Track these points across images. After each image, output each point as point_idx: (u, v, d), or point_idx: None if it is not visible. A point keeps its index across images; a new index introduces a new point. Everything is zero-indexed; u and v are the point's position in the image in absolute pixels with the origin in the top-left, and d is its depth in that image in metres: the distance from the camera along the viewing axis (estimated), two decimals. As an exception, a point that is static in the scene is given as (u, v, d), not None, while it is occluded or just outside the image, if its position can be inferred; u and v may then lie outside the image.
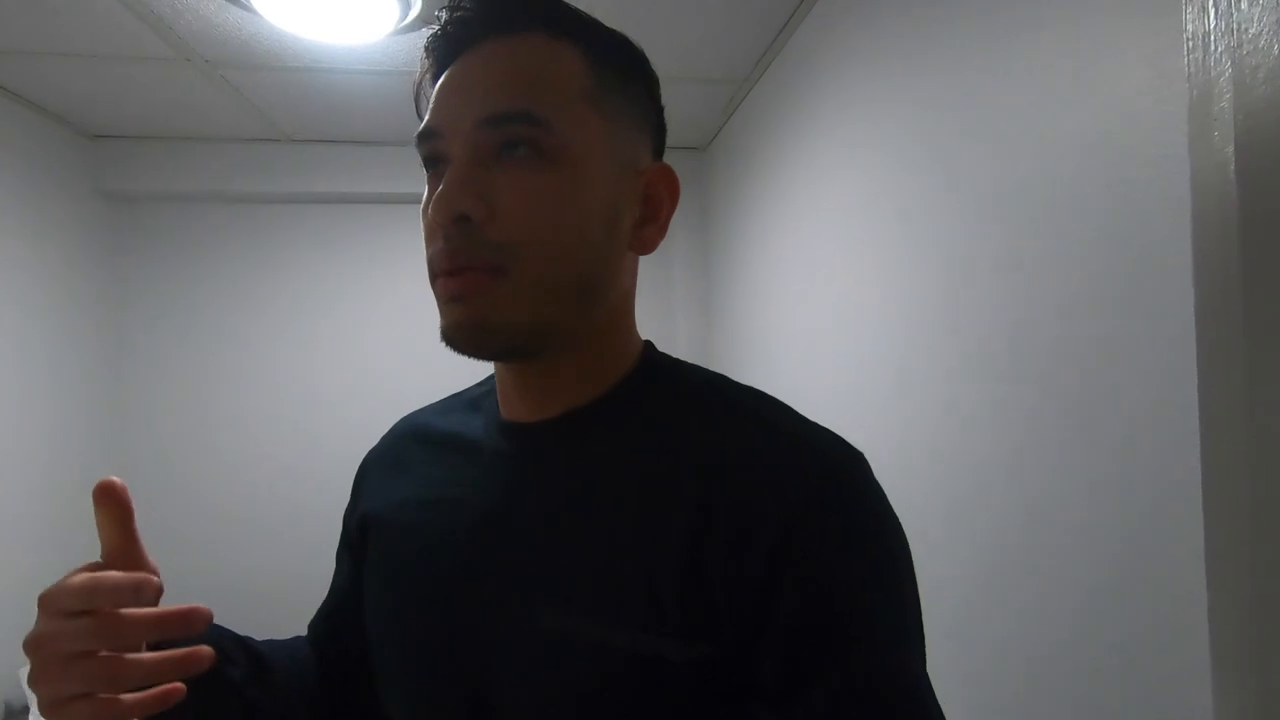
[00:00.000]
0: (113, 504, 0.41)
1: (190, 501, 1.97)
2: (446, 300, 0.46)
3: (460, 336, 0.46)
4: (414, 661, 0.52)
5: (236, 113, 1.79)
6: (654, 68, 0.53)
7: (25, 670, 1.50)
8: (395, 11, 1.30)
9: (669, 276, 2.23)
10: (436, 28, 0.49)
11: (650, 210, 0.51)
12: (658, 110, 0.54)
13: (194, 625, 0.39)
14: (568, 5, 0.50)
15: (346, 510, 0.63)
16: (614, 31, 0.51)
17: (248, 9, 1.29)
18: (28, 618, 0.39)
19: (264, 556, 1.96)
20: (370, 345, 2.07)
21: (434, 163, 0.48)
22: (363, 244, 2.10)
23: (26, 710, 1.43)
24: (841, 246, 1.30)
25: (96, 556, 0.41)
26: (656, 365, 0.53)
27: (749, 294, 1.83)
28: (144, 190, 1.97)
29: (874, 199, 1.18)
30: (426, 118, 0.48)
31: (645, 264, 0.54)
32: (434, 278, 0.47)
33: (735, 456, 0.45)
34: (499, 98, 0.45)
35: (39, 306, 1.69)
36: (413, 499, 0.55)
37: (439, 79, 0.48)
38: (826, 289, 1.37)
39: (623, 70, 0.50)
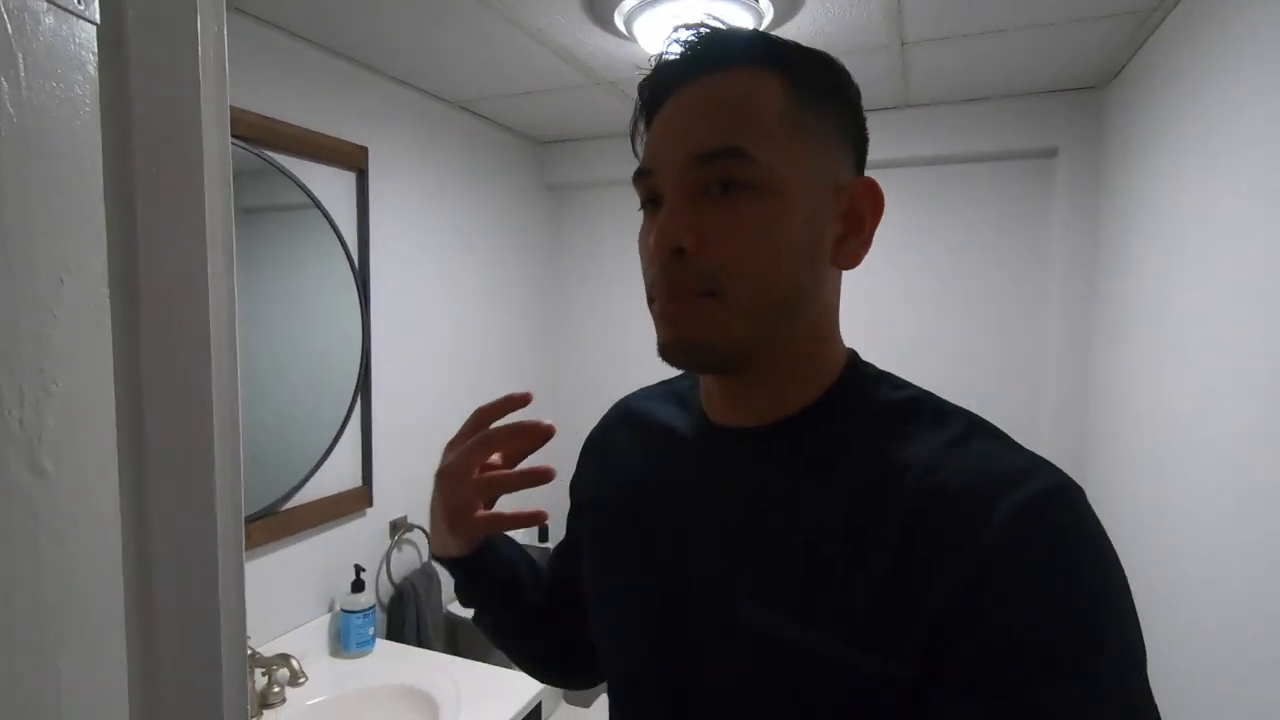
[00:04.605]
0: (538, 434, 0.55)
1: (594, 410, 2.58)
2: (662, 321, 0.50)
3: (674, 354, 0.50)
4: (624, 632, 0.57)
5: (628, 114, 2.15)
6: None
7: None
8: (749, 20, 1.44)
9: (1045, 238, 1.98)
10: (648, 71, 0.52)
11: (852, 225, 0.51)
12: (859, 124, 0.53)
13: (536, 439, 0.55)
14: (768, 35, 0.51)
15: (572, 481, 0.69)
16: (816, 53, 0.51)
17: (634, 42, 1.56)
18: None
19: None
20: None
21: (651, 199, 0.51)
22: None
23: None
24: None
25: (543, 449, 0.56)
26: (862, 377, 0.53)
27: (1150, 266, 1.54)
28: (571, 180, 2.51)
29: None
30: (644, 156, 0.51)
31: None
32: (651, 301, 0.51)
33: (936, 479, 0.44)
34: (707, 136, 0.47)
35: (508, 268, 2.35)
36: (623, 482, 0.61)
37: (653, 119, 0.52)
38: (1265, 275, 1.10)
39: (824, 90, 0.50)
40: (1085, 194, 1.90)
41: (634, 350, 2.49)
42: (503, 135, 2.30)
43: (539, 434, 0.55)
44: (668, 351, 0.50)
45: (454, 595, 0.67)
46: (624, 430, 0.66)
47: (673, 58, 0.51)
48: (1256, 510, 1.03)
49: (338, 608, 1.65)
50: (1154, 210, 1.54)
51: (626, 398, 0.69)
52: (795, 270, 0.48)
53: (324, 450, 1.64)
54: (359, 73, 1.70)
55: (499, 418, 0.57)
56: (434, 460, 0.59)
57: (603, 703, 2.16)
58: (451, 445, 0.59)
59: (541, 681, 0.76)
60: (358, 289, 1.72)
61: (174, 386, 0.42)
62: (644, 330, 2.21)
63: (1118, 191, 1.76)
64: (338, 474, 1.69)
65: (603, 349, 2.55)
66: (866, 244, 0.51)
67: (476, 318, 2.20)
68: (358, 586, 1.64)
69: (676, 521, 0.54)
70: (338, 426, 1.68)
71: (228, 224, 0.43)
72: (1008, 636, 0.40)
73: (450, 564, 0.63)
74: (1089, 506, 0.43)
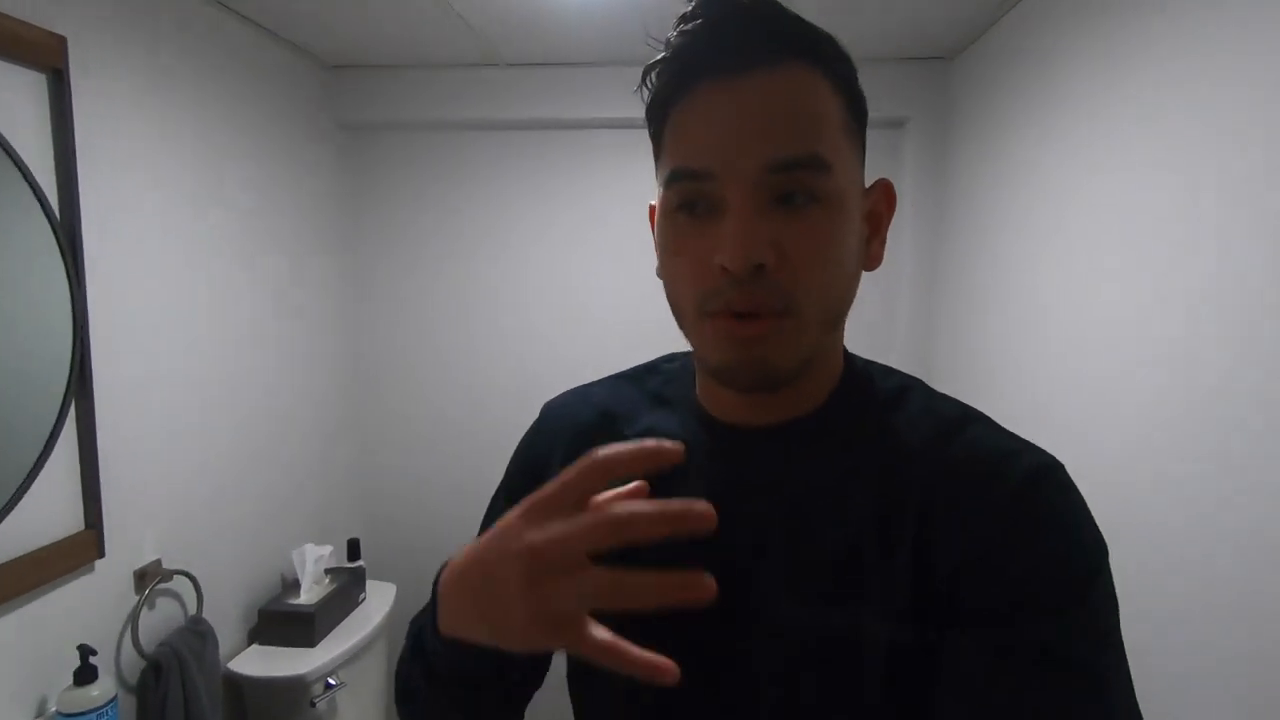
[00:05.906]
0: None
1: (409, 398, 2.16)
2: (730, 340, 0.46)
3: (742, 375, 0.47)
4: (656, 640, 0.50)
5: (459, 39, 1.75)
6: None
7: (298, 550, 1.82)
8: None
9: (896, 224, 1.98)
10: (666, 51, 0.47)
11: (873, 226, 0.52)
12: (865, 117, 0.51)
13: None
14: (805, 23, 0.46)
15: (503, 487, 0.62)
16: (834, 40, 0.48)
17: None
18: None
19: (464, 455, 2.12)
20: (578, 267, 2.07)
21: (699, 203, 0.46)
22: (574, 168, 2.05)
23: (298, 585, 1.68)
24: (1155, 196, 1.04)
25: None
26: (857, 372, 0.55)
27: (994, 236, 1.56)
28: (375, 119, 2.04)
29: (1214, 134, 0.90)
30: (689, 155, 0.46)
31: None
32: (711, 316, 0.46)
33: (944, 460, 0.48)
34: (788, 141, 0.44)
35: (285, 228, 1.85)
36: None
37: (672, 108, 0.46)
38: (1117, 253, 1.11)
39: (853, 85, 0.49)
40: (932, 165, 1.91)
41: (445, 324, 2.15)
42: (281, 52, 1.77)
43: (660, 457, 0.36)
44: (734, 373, 0.48)
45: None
46: (599, 439, 0.53)
47: (694, 38, 0.45)
48: (1099, 483, 1.03)
49: (52, 709, 1.15)
50: (999, 180, 1.56)
51: (575, 401, 0.63)
52: (852, 281, 0.49)
53: (15, 487, 1.11)
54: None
55: (620, 475, 0.36)
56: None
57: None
58: (540, 507, 0.37)
59: None
60: (61, 249, 1.18)
61: None
62: (456, 305, 1.85)
63: (965, 161, 1.78)
64: (45, 517, 1.16)
65: (411, 322, 2.16)
66: (884, 244, 0.52)
67: (246, 286, 1.69)
68: (85, 675, 1.15)
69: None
70: (39, 448, 1.15)
71: None
72: (1006, 581, 0.44)
73: (474, 650, 0.43)
74: (1071, 479, 0.47)
